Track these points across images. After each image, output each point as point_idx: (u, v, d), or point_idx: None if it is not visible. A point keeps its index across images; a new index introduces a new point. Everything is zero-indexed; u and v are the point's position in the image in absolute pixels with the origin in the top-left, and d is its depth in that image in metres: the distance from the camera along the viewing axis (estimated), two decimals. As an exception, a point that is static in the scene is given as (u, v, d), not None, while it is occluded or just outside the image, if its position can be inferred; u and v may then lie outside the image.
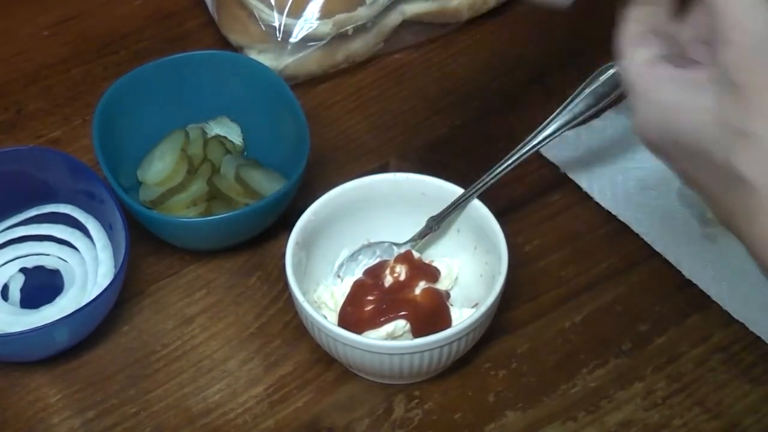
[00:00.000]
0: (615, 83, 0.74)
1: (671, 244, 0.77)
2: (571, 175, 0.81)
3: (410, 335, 0.70)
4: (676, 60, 0.51)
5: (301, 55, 0.86)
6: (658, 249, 0.77)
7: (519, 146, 0.74)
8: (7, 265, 0.77)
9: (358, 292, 0.72)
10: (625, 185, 0.81)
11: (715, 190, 0.50)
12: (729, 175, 0.48)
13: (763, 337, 0.73)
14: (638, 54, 0.52)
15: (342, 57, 0.88)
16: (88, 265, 0.76)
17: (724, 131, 0.48)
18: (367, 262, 0.75)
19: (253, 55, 0.87)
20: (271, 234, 0.78)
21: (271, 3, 0.85)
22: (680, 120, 0.50)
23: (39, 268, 0.77)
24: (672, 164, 0.53)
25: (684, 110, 0.49)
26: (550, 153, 0.82)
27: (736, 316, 0.74)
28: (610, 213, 0.79)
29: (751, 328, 0.73)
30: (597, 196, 0.80)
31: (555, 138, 0.74)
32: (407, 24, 0.90)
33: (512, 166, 0.74)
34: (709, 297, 0.75)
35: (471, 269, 0.74)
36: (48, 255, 0.78)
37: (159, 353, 0.74)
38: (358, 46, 0.88)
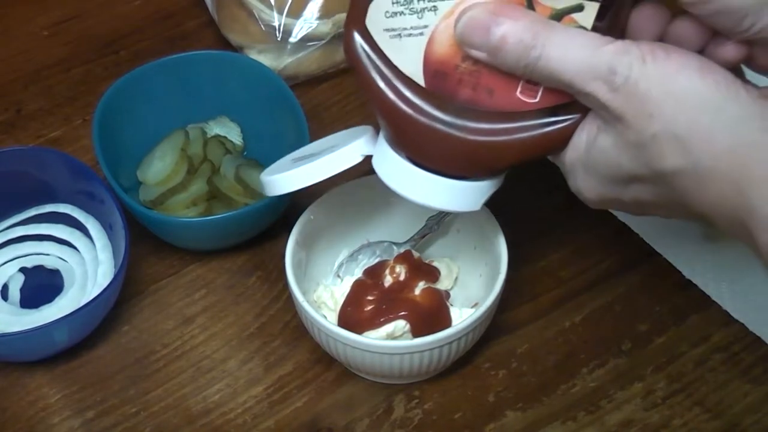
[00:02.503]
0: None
1: (671, 244, 0.77)
2: (571, 175, 0.81)
3: (410, 335, 0.70)
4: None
5: (300, 55, 0.86)
6: (658, 249, 0.77)
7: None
8: (6, 264, 0.77)
9: (357, 292, 0.72)
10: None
11: (662, 199, 0.56)
12: (660, 179, 0.55)
13: (763, 337, 0.73)
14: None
15: (341, 57, 0.88)
16: (88, 265, 0.76)
17: (633, 151, 0.54)
18: (367, 261, 0.75)
19: (253, 55, 0.87)
20: (271, 234, 0.78)
21: (270, 3, 0.85)
22: (600, 169, 0.57)
23: (39, 268, 0.77)
24: (621, 206, 0.60)
25: (598, 160, 0.57)
26: (550, 158, 0.82)
27: (736, 316, 0.74)
28: (610, 213, 0.79)
29: (751, 328, 0.73)
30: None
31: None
32: (407, 24, 0.90)
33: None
34: (709, 297, 0.75)
35: (471, 269, 0.74)
36: (48, 255, 0.78)
37: (159, 353, 0.74)
38: (358, 46, 0.88)
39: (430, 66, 0.59)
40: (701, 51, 0.56)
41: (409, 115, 0.59)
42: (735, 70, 0.56)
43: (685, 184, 0.53)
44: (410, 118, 0.59)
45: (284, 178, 0.67)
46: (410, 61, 0.59)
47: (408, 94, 0.59)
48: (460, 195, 0.62)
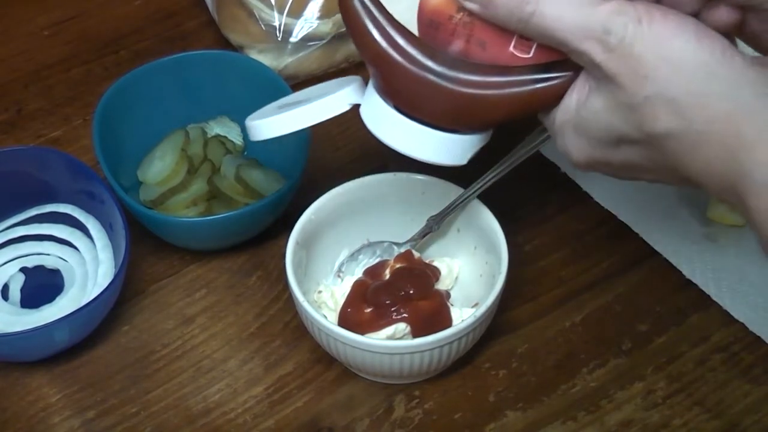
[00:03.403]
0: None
1: (671, 244, 0.77)
2: (571, 175, 0.82)
3: (410, 337, 0.70)
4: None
5: (301, 54, 0.86)
6: (658, 249, 0.77)
7: (519, 146, 0.74)
8: (7, 264, 0.77)
9: (358, 292, 0.72)
10: (624, 185, 0.80)
11: (652, 163, 0.56)
12: (651, 142, 0.54)
13: (763, 337, 0.73)
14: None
15: (342, 57, 0.88)
16: (88, 265, 0.76)
17: (625, 113, 0.54)
18: (367, 261, 0.75)
19: (253, 55, 0.87)
20: (271, 234, 0.78)
21: (271, 3, 0.85)
22: (590, 130, 0.57)
23: (39, 268, 0.77)
24: (610, 170, 0.59)
25: (589, 120, 0.56)
26: (550, 153, 0.82)
27: (736, 316, 0.74)
28: (610, 213, 0.79)
29: (751, 328, 0.73)
30: (597, 196, 0.80)
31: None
32: (407, 24, 0.90)
33: (512, 166, 0.74)
34: (709, 297, 0.75)
35: (471, 269, 0.74)
36: (48, 255, 0.78)
37: (159, 353, 0.74)
38: (358, 46, 0.88)
39: (424, 15, 0.58)
40: (696, 15, 0.56)
41: (401, 63, 0.58)
42: (729, 38, 0.56)
43: (676, 148, 0.53)
44: (401, 67, 0.59)
45: (269, 123, 0.66)
46: (405, 9, 0.58)
47: (401, 42, 0.58)
48: (447, 148, 0.61)
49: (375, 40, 0.59)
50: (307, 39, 0.86)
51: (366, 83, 0.64)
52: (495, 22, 0.56)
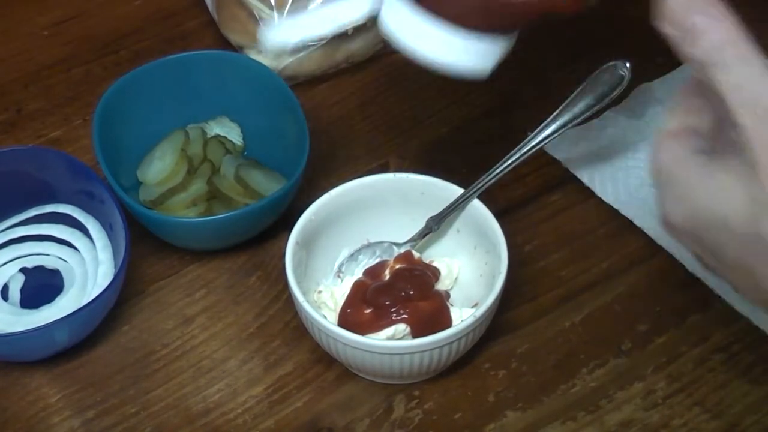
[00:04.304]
0: (615, 83, 0.74)
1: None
2: (572, 170, 0.81)
3: (410, 337, 0.70)
4: (706, 151, 0.53)
5: (300, 55, 0.86)
6: (661, 244, 0.77)
7: (519, 146, 0.74)
8: (7, 265, 0.77)
9: (358, 293, 0.72)
10: (626, 183, 0.81)
11: (742, 265, 0.51)
12: (759, 246, 0.49)
13: (767, 331, 0.73)
14: (671, 148, 0.54)
15: (342, 57, 0.88)
16: (88, 265, 0.76)
17: (752, 206, 0.49)
18: (367, 262, 0.75)
19: (253, 55, 0.87)
20: (271, 234, 0.78)
21: (271, 3, 0.85)
22: (706, 202, 0.51)
23: (39, 268, 0.77)
24: (694, 246, 0.54)
25: (710, 194, 0.51)
26: (551, 152, 0.82)
27: (740, 310, 0.74)
28: (610, 212, 0.79)
29: (756, 323, 0.73)
30: (599, 191, 0.80)
31: (555, 138, 0.74)
32: (407, 24, 0.90)
33: (512, 166, 0.74)
34: (709, 297, 0.75)
35: (471, 269, 0.74)
36: (48, 255, 0.78)
37: (159, 353, 0.74)
38: (358, 46, 0.88)
39: None
40: None
41: None
42: None
43: None
44: None
45: (284, 28, 0.65)
46: None
47: None
48: (474, 51, 0.60)
49: None
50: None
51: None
52: (688, 57, 0.51)
